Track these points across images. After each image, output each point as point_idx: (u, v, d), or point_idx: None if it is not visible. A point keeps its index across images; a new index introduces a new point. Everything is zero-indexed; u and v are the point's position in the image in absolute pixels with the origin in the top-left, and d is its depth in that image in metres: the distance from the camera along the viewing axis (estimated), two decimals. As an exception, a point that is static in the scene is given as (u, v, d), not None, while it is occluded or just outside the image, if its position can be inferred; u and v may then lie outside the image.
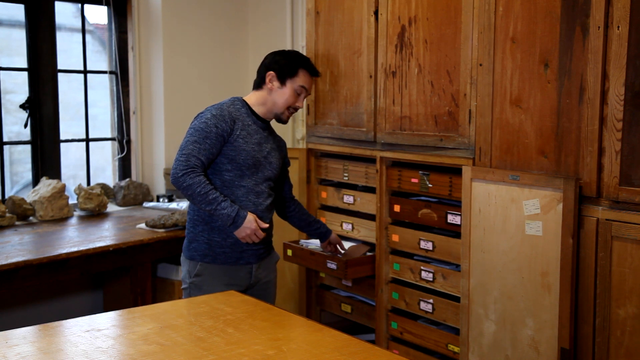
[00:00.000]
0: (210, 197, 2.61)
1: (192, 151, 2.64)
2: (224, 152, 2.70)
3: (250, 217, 2.67)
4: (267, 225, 2.73)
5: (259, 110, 2.82)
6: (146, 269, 3.69)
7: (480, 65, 2.82)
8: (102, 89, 4.62)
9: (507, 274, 2.71)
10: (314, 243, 3.54)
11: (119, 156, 4.61)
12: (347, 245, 3.44)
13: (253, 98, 2.84)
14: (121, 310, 2.33)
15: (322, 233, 3.18)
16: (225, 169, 2.71)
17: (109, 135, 4.65)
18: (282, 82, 2.79)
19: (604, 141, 2.44)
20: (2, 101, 4.10)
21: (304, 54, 4.02)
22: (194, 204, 2.69)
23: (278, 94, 2.79)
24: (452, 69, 2.95)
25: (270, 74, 2.80)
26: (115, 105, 4.61)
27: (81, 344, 1.99)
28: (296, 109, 2.85)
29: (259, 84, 2.85)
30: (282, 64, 2.80)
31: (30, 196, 3.99)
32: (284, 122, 2.88)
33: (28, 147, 4.21)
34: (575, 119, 2.52)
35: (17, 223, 3.85)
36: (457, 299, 2.99)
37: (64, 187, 4.02)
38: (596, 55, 2.44)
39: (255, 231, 2.67)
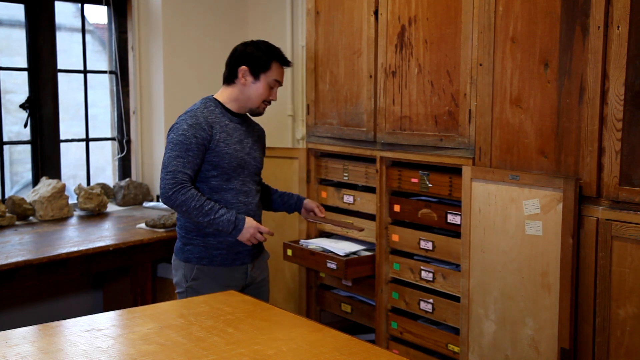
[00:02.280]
0: (206, 208, 2.59)
1: (177, 167, 2.58)
2: (207, 159, 2.65)
3: (249, 218, 2.67)
4: (267, 230, 2.71)
5: (232, 106, 2.75)
6: (146, 269, 3.69)
7: (480, 65, 2.82)
8: (102, 89, 4.62)
9: (507, 274, 2.71)
10: (314, 243, 3.54)
11: (119, 156, 4.61)
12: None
13: (225, 95, 2.76)
14: (121, 310, 2.33)
15: (297, 201, 3.02)
16: (212, 175, 2.68)
17: (109, 135, 4.65)
18: (256, 76, 2.72)
19: (604, 141, 2.44)
20: (2, 101, 4.10)
21: (304, 54, 4.03)
22: (190, 218, 2.65)
23: (252, 89, 2.72)
24: (452, 69, 2.95)
25: (243, 69, 2.72)
26: (115, 105, 4.61)
27: (81, 344, 1.99)
28: (270, 102, 2.81)
29: (229, 79, 2.76)
30: (255, 58, 2.71)
31: (30, 196, 3.99)
32: (260, 114, 2.82)
33: (28, 147, 4.21)
34: (575, 119, 2.52)
35: (17, 223, 3.85)
36: (457, 299, 2.99)
37: (64, 187, 4.02)
38: (596, 55, 2.44)
39: (257, 229, 2.66)
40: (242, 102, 2.76)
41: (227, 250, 2.73)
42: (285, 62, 2.78)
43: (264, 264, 2.94)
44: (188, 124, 2.63)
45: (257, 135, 2.87)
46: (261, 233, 2.70)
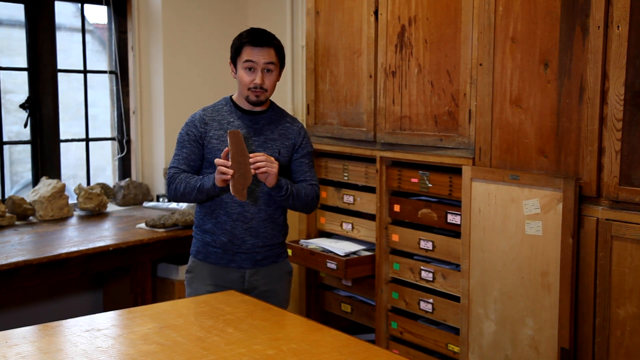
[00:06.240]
0: (192, 181, 2.63)
1: (172, 163, 2.74)
2: (205, 156, 2.71)
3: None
4: (223, 161, 2.50)
5: (241, 103, 2.74)
6: (146, 269, 3.69)
7: (480, 65, 2.82)
8: (102, 89, 4.62)
9: (507, 273, 2.71)
10: (314, 243, 3.54)
11: (119, 156, 4.61)
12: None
13: (236, 93, 2.78)
14: (121, 310, 2.33)
15: None
16: (209, 173, 2.68)
17: (109, 135, 4.65)
18: (235, 66, 2.70)
19: (604, 141, 2.44)
20: (2, 101, 4.10)
21: (304, 54, 4.02)
22: (193, 201, 2.71)
23: (238, 80, 2.70)
24: (452, 69, 2.95)
25: (229, 63, 2.73)
26: (115, 105, 4.61)
27: (81, 344, 1.99)
28: (258, 87, 2.65)
29: None
30: (231, 49, 2.71)
31: (30, 196, 3.99)
32: (254, 103, 2.70)
33: (28, 147, 4.21)
34: (575, 118, 2.52)
35: (17, 223, 3.85)
36: (457, 299, 2.99)
37: (64, 187, 4.02)
38: (596, 55, 2.44)
39: (218, 170, 2.51)
40: (241, 95, 2.73)
41: (221, 249, 2.71)
42: (252, 41, 2.62)
43: (276, 274, 2.78)
44: (186, 123, 2.77)
45: (281, 133, 2.75)
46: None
